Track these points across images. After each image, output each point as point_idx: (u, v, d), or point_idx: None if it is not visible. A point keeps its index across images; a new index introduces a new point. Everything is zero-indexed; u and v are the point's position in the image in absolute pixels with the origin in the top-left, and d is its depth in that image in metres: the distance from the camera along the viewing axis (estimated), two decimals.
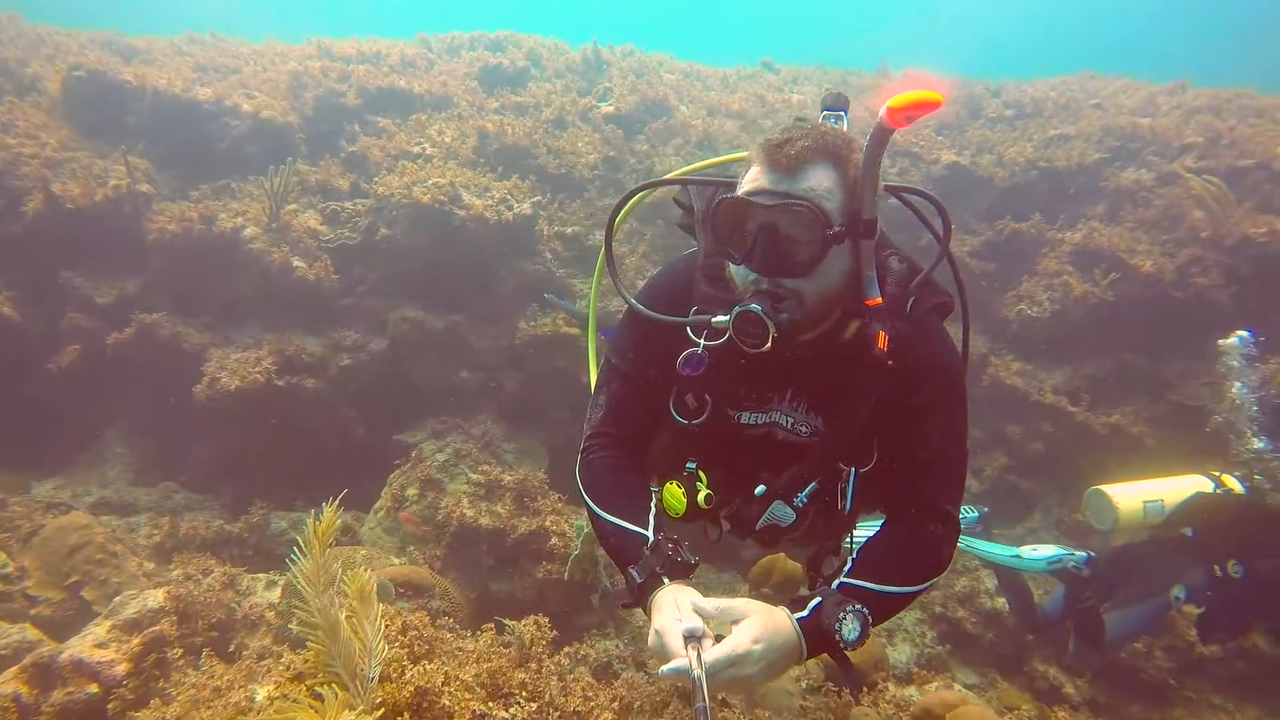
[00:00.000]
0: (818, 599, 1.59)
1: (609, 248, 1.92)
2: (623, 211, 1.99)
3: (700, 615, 1.48)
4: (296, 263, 5.74)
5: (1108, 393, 6.50)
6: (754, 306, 1.54)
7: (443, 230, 5.90)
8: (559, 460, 5.85)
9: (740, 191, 1.59)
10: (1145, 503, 4.29)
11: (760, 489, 1.79)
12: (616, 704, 2.78)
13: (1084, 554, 4.43)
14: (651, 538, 1.66)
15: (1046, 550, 4.45)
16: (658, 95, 8.29)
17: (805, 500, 1.78)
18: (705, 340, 1.69)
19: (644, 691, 3.19)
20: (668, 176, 2.04)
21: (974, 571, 5.60)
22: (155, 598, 4.00)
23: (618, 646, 4.59)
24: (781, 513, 1.78)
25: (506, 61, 8.74)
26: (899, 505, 1.82)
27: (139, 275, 6.20)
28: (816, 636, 1.54)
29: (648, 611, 1.57)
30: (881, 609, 1.63)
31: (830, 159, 1.54)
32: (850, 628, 1.53)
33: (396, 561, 4.71)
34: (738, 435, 1.83)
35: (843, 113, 1.82)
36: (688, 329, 1.72)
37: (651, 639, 1.50)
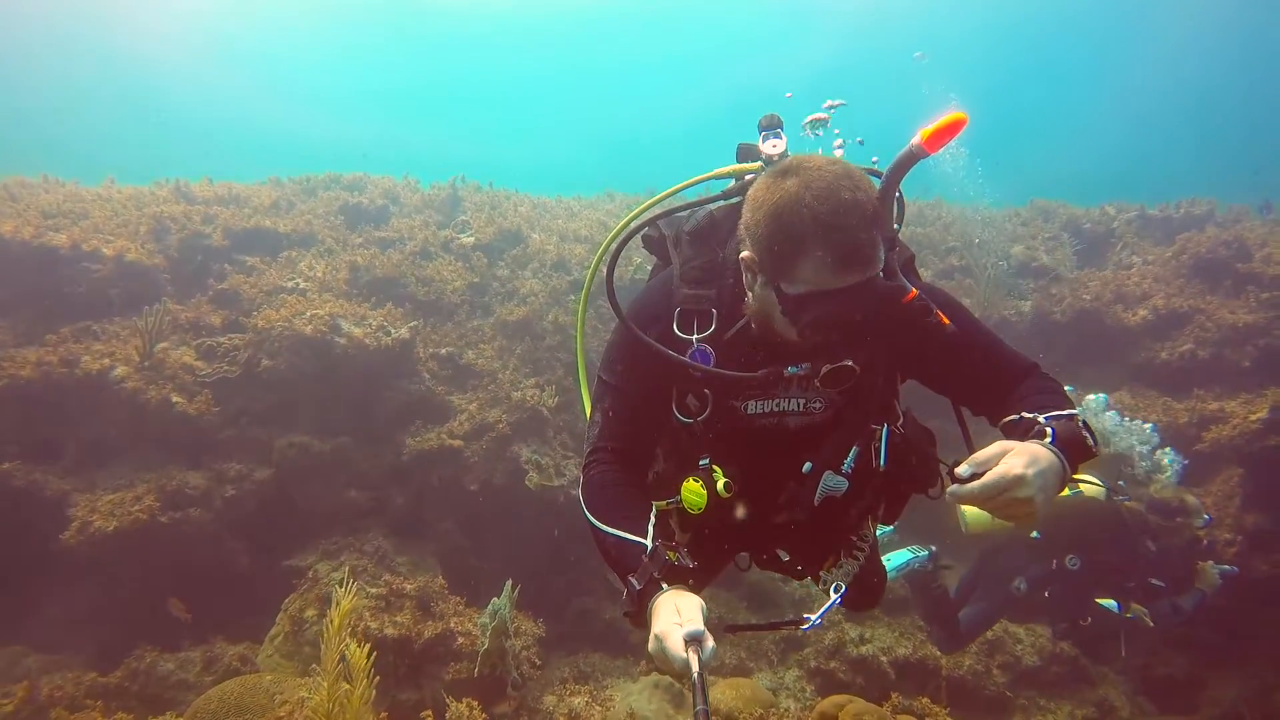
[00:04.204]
0: (1050, 428, 1.61)
1: (611, 275, 1.98)
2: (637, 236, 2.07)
3: (966, 477, 1.47)
4: (175, 398, 5.77)
5: None
6: (849, 363, 1.64)
7: (325, 358, 6.19)
8: (451, 569, 6.07)
9: (815, 289, 1.59)
10: None
11: (807, 466, 1.86)
12: None
13: (925, 551, 5.02)
14: (649, 545, 1.67)
15: (894, 559, 5.04)
16: (512, 225, 9.10)
17: (852, 466, 1.84)
18: (697, 335, 1.80)
19: None
20: (658, 200, 2.19)
21: (839, 625, 6.35)
22: None
23: None
24: (834, 483, 1.85)
25: (366, 200, 9.28)
26: (1013, 385, 1.89)
27: None
28: (1071, 451, 1.58)
29: (648, 618, 1.56)
30: None
31: (874, 224, 1.57)
32: (1088, 435, 1.64)
33: (302, 682, 4.70)
34: (747, 426, 1.87)
35: (779, 129, 1.90)
36: (675, 327, 1.83)
37: (651, 644, 1.49)
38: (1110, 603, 4.85)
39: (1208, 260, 8.26)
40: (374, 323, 6.52)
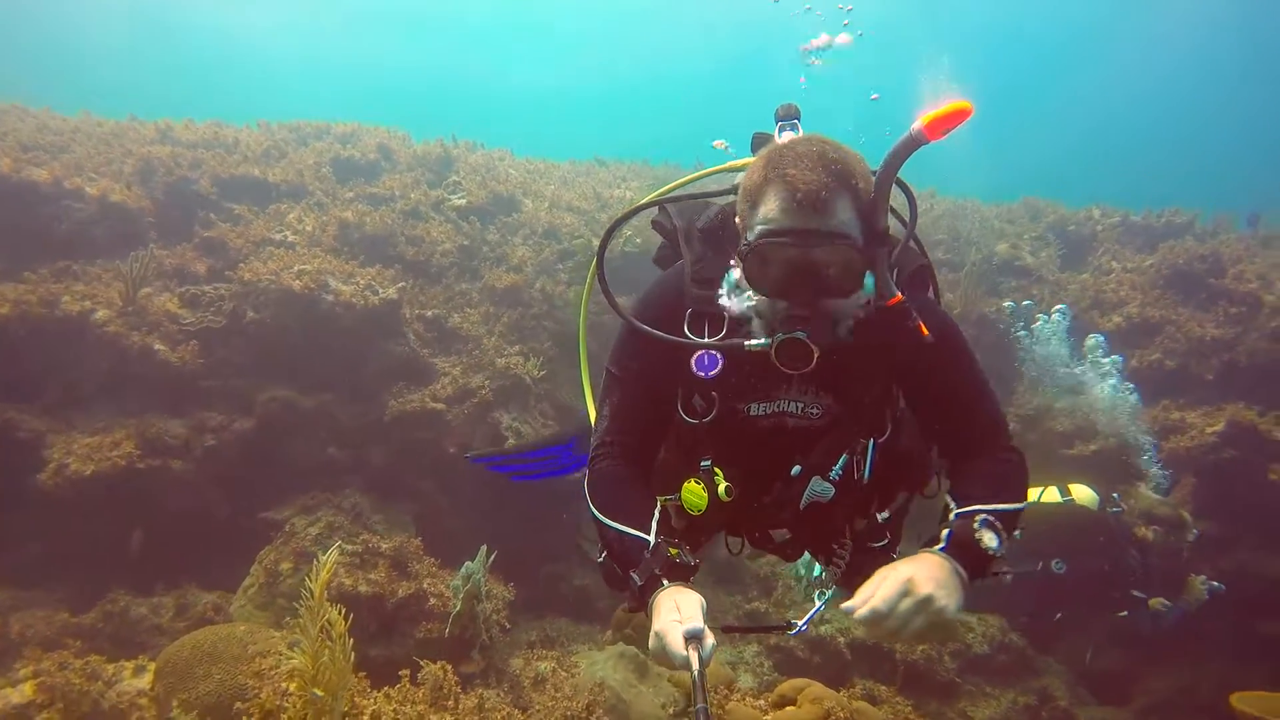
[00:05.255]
0: (947, 529, 1.62)
1: (601, 267, 1.99)
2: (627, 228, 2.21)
3: (853, 611, 1.48)
4: (158, 345, 5.75)
5: None
6: (799, 334, 1.60)
7: (311, 314, 6.18)
8: (427, 530, 6.16)
9: (766, 229, 1.63)
10: None
11: (796, 469, 1.85)
12: None
13: None
14: (652, 541, 1.68)
15: None
16: (504, 190, 9.06)
17: (840, 473, 1.84)
18: (707, 338, 1.79)
19: None
20: (655, 197, 2.15)
21: (799, 605, 6.55)
22: (21, 692, 3.85)
23: (499, 694, 4.97)
24: (821, 488, 1.83)
25: (359, 154, 9.16)
26: (966, 450, 1.86)
27: None
28: (965, 555, 1.57)
29: (649, 614, 1.57)
30: (1003, 525, 1.64)
31: (846, 188, 1.60)
32: (989, 537, 1.58)
33: (276, 634, 4.79)
34: (749, 428, 1.86)
35: (796, 120, 1.93)
36: (686, 329, 1.81)
37: (652, 641, 1.50)
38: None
39: (1183, 272, 8.45)
40: (362, 281, 6.50)
